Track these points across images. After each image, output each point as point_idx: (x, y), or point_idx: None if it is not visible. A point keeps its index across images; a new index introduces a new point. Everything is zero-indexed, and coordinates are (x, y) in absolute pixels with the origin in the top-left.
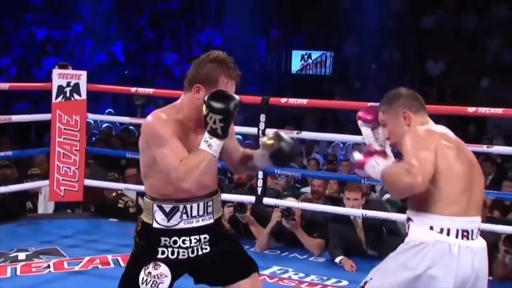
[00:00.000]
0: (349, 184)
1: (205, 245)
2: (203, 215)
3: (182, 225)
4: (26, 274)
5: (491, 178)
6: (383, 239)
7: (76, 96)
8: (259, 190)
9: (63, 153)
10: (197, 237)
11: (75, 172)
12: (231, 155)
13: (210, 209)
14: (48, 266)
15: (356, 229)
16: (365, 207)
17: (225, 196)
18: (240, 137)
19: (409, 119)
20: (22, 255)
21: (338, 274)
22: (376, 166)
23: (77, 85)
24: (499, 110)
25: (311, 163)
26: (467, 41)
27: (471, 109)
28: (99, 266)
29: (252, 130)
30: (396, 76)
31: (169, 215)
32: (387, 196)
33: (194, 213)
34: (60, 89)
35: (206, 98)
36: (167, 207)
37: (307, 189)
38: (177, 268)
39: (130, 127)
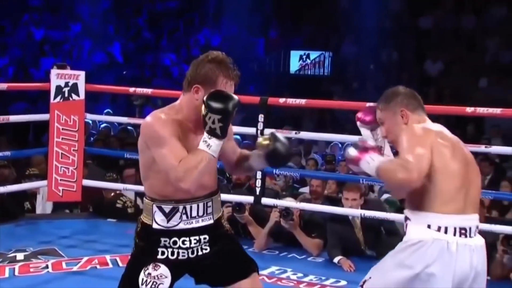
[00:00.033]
0: (347, 184)
1: (205, 245)
2: (202, 216)
3: (182, 226)
4: (24, 275)
5: (489, 178)
6: (382, 239)
7: (74, 96)
8: (258, 190)
9: (61, 153)
10: (197, 237)
11: (73, 172)
12: (228, 156)
13: (210, 210)
14: (47, 267)
15: (355, 229)
16: (363, 207)
17: (223, 196)
18: (238, 137)
19: (406, 118)
20: (20, 256)
21: (336, 274)
22: (371, 162)
23: (75, 85)
24: (497, 110)
25: (309, 163)
26: (465, 41)
27: (469, 109)
28: (98, 266)
29: (251, 130)
30: (395, 77)
31: (168, 216)
32: (385, 196)
33: (194, 213)
34: (58, 89)
35: (205, 98)
36: (167, 208)
37: (305, 189)
38: (177, 268)
39: (129, 127)
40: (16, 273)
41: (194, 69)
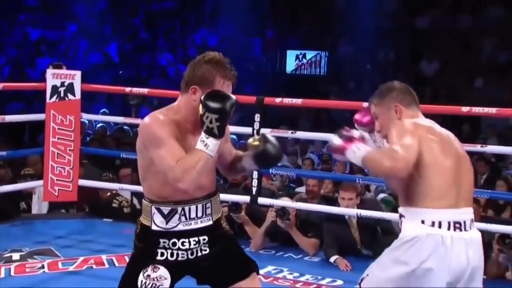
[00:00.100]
0: (343, 183)
1: (205, 246)
2: (201, 217)
3: (180, 227)
4: (20, 275)
5: (485, 178)
6: (378, 239)
7: (70, 96)
8: (254, 190)
9: (57, 153)
10: (196, 238)
11: (69, 172)
12: (225, 158)
13: (208, 211)
14: (43, 267)
15: (351, 228)
16: (359, 206)
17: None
18: (234, 136)
19: (400, 113)
20: (16, 256)
21: (332, 274)
22: (357, 151)
23: (71, 85)
24: (493, 110)
25: (306, 162)
26: (461, 41)
27: (465, 109)
28: (94, 266)
29: (247, 130)
30: (391, 76)
31: (167, 217)
32: (381, 195)
33: (193, 215)
34: (54, 89)
35: (202, 98)
36: (166, 210)
37: (302, 189)
38: (177, 270)
39: (125, 127)
40: (12, 273)
41: (191, 70)
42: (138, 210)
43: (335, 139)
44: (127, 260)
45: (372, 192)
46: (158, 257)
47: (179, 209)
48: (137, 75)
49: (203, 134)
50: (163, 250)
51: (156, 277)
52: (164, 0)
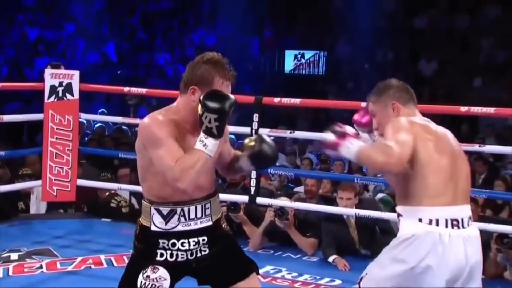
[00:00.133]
0: (342, 183)
1: (204, 247)
2: (201, 218)
3: (180, 228)
4: (18, 275)
5: (483, 177)
6: (376, 238)
7: (68, 96)
8: (253, 189)
9: (56, 153)
10: (196, 239)
11: (67, 172)
12: (224, 158)
13: (208, 211)
14: (41, 267)
15: (349, 228)
16: (358, 206)
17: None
18: (233, 136)
19: (397, 111)
20: (14, 256)
21: (331, 274)
22: (350, 147)
23: (69, 85)
24: (491, 110)
25: (304, 162)
26: (459, 41)
27: (463, 109)
28: (92, 266)
29: (245, 130)
30: (389, 76)
31: (167, 218)
32: (380, 195)
33: (192, 215)
34: (53, 89)
35: (201, 98)
36: (165, 210)
37: (300, 189)
38: (177, 270)
39: (123, 127)
40: (10, 273)
41: (190, 70)
42: (136, 210)
43: (328, 135)
44: (126, 260)
45: (370, 192)
46: (158, 258)
47: (179, 209)
48: (135, 75)
49: (202, 134)
50: (163, 251)
51: (156, 278)
52: (161, 0)
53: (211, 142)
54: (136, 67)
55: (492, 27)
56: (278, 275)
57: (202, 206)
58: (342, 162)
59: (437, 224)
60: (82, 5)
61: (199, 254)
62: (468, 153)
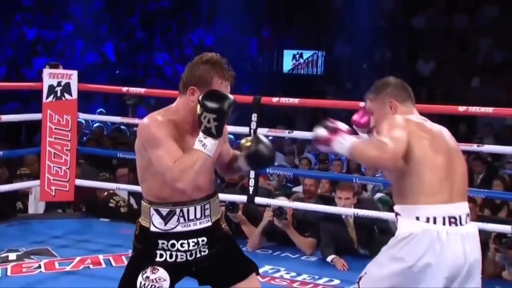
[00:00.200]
0: (340, 183)
1: (204, 248)
2: (200, 218)
3: (179, 229)
4: (17, 275)
5: (481, 177)
6: (375, 238)
7: (67, 96)
8: (251, 189)
9: (54, 153)
10: (195, 240)
11: (66, 172)
12: (222, 158)
13: (207, 212)
14: (39, 266)
15: (348, 228)
16: (356, 206)
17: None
18: (232, 136)
19: (395, 109)
20: (12, 256)
21: (329, 273)
22: (343, 142)
23: (68, 85)
24: (489, 109)
25: (302, 162)
26: (457, 41)
27: (461, 108)
28: (91, 266)
29: (244, 130)
30: (387, 76)
31: (166, 219)
32: (378, 195)
33: (191, 216)
34: (51, 88)
35: (200, 98)
36: (164, 211)
37: (298, 189)
38: (176, 271)
39: (122, 127)
40: (9, 273)
41: (189, 71)
42: (135, 210)
43: (320, 131)
44: (124, 260)
45: (369, 191)
46: (157, 259)
47: (178, 210)
48: (133, 74)
49: (201, 134)
50: (162, 252)
51: (155, 279)
52: (160, 0)
53: (210, 142)
54: (134, 67)
55: (490, 27)
56: (277, 274)
57: (201, 206)
58: (340, 162)
59: (435, 222)
60: (81, 5)
61: (198, 255)
62: (466, 153)
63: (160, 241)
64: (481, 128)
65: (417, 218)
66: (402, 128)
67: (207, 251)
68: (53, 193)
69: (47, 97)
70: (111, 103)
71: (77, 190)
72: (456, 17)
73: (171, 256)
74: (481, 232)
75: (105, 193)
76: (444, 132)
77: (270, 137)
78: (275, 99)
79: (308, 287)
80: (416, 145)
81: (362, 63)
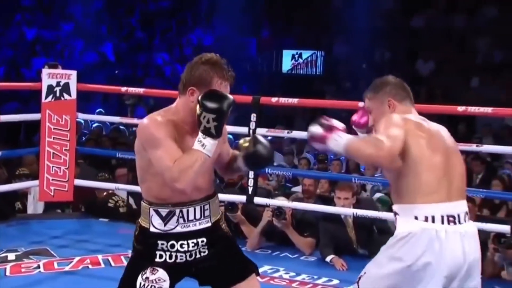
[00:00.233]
0: (339, 183)
1: (203, 248)
2: (200, 219)
3: (179, 229)
4: (15, 275)
5: (480, 177)
6: (374, 238)
7: (66, 96)
8: (250, 189)
9: (53, 153)
10: (195, 240)
11: (65, 172)
12: (222, 158)
13: (207, 213)
14: (38, 267)
15: (347, 228)
16: (355, 206)
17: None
18: (231, 136)
19: (393, 108)
20: (11, 256)
21: (329, 273)
22: (339, 140)
23: (67, 85)
24: (488, 109)
25: (302, 162)
26: (457, 41)
27: (460, 108)
28: (90, 266)
29: (243, 130)
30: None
31: (165, 219)
32: (377, 195)
33: (191, 217)
34: (50, 88)
35: (199, 98)
36: (164, 212)
37: (298, 189)
38: (176, 272)
39: (121, 127)
40: (8, 273)
41: (189, 71)
42: (134, 210)
43: (315, 129)
44: (123, 260)
45: (368, 191)
46: (157, 259)
47: (177, 211)
48: (133, 74)
49: (200, 134)
50: (162, 252)
51: (155, 279)
52: (160, 0)
53: (209, 142)
54: (134, 67)
55: (490, 27)
56: (276, 275)
57: (201, 207)
58: (340, 162)
59: (433, 221)
60: (81, 5)
61: (198, 256)
62: (466, 153)
63: (159, 242)
64: (480, 128)
65: (416, 217)
66: (399, 126)
67: (206, 252)
68: (52, 193)
69: (46, 97)
70: (110, 103)
71: (76, 190)
72: (456, 17)
73: (170, 257)
74: (480, 232)
75: (104, 193)
76: (442, 131)
77: (269, 137)
78: (274, 99)
79: (307, 287)
80: (413, 144)
81: (361, 63)
